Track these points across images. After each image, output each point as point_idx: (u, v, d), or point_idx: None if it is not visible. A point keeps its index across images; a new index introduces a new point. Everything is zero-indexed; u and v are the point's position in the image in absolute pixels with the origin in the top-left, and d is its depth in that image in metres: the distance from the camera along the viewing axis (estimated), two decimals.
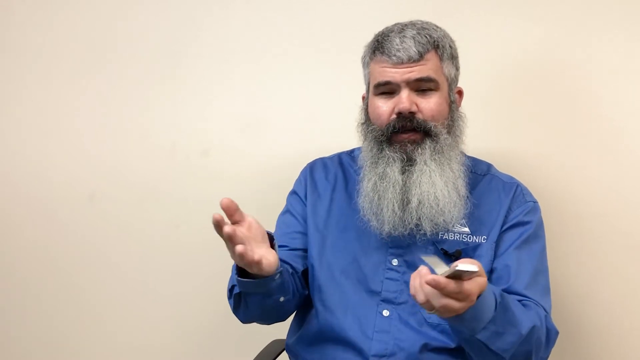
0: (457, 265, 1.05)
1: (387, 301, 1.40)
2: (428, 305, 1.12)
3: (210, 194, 1.87)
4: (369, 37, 1.48)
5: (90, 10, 2.00)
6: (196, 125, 1.98)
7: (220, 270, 1.83)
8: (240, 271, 1.27)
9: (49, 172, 2.06)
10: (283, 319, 1.48)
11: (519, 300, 1.33)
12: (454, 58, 1.44)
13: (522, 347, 1.25)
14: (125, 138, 2.02)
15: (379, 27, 1.46)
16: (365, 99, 1.49)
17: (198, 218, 1.94)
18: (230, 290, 1.39)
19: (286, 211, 1.57)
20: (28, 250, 2.09)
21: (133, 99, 2.01)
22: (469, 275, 1.08)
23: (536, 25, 1.75)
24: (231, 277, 1.38)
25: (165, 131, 2.00)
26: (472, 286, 1.11)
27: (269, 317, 1.44)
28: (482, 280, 1.14)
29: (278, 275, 1.28)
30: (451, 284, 1.08)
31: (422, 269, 1.12)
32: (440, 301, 1.09)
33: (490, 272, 1.40)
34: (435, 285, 1.07)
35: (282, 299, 1.35)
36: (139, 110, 2.01)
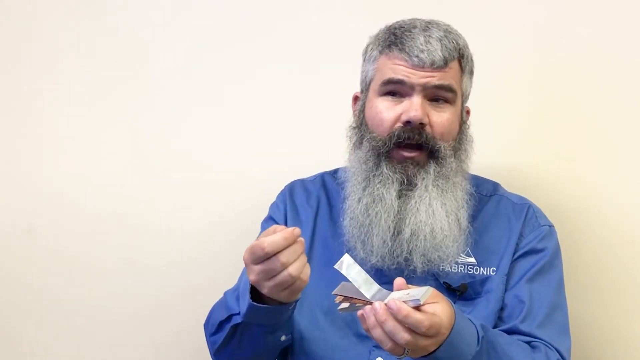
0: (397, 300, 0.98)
1: (380, 346, 1.26)
2: (393, 345, 1.02)
3: (170, 224, 1.87)
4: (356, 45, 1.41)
5: (34, 21, 1.89)
6: (154, 145, 1.86)
7: (179, 313, 1.86)
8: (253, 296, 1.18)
9: None
10: None
11: (528, 342, 1.24)
12: (472, 74, 1.37)
13: None
14: (71, 161, 1.89)
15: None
16: (359, 99, 1.39)
17: (156, 255, 1.87)
18: (223, 322, 1.28)
19: None
20: None
21: (81, 114, 1.89)
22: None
23: (550, 30, 1.69)
24: (225, 305, 1.28)
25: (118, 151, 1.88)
26: (440, 314, 1.02)
27: None
28: (450, 308, 1.05)
29: (294, 304, 1.19)
30: (416, 314, 0.99)
31: (376, 305, 1.01)
32: (404, 336, 0.99)
33: (500, 309, 1.32)
34: (396, 312, 0.98)
35: (283, 337, 1.26)
36: (88, 126, 1.89)
